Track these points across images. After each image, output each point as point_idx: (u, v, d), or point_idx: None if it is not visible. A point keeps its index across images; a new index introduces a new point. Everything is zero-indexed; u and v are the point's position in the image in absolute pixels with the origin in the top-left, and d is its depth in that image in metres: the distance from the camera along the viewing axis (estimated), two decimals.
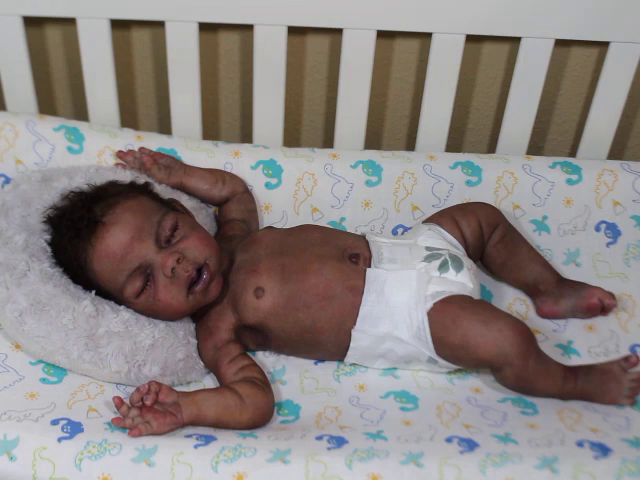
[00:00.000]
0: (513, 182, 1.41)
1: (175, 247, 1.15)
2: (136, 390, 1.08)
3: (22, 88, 1.49)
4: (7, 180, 1.40)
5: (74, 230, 1.15)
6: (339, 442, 1.03)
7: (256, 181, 1.42)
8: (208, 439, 1.03)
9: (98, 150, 1.41)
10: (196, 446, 1.02)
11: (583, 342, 1.26)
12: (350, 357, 1.20)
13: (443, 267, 1.20)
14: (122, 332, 1.14)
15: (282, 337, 1.20)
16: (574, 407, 1.12)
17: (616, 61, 1.40)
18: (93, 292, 1.17)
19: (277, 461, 1.00)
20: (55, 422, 1.05)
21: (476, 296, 1.21)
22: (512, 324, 1.13)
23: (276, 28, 1.40)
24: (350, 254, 1.22)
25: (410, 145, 1.67)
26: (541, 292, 1.31)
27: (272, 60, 1.43)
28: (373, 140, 1.67)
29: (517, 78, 1.44)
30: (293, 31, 1.46)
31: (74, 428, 1.04)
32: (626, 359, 1.15)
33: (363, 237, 1.27)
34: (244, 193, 1.40)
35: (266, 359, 1.24)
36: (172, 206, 1.24)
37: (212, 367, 1.19)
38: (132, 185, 1.27)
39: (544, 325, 1.30)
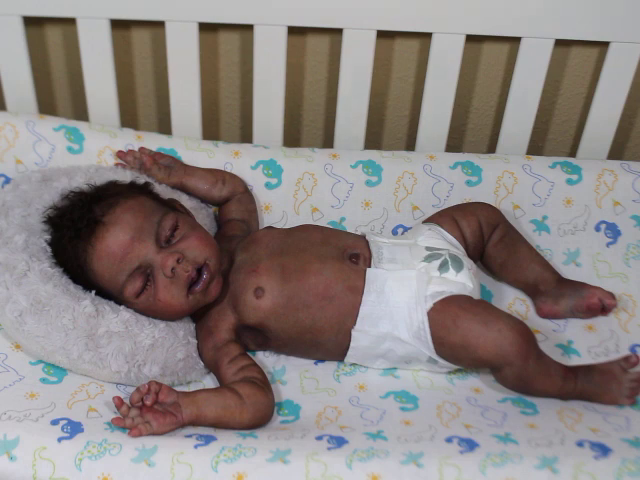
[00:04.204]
0: (513, 182, 1.41)
1: (175, 247, 1.15)
2: (136, 390, 1.08)
3: (22, 88, 1.49)
4: (7, 180, 1.39)
5: (74, 230, 1.15)
6: (339, 442, 1.03)
7: (256, 181, 1.42)
8: (208, 439, 1.03)
9: (98, 150, 1.41)
10: (196, 446, 1.02)
11: (583, 342, 1.26)
12: (350, 357, 1.20)
13: (443, 267, 1.20)
14: (122, 332, 1.14)
15: (282, 337, 1.20)
16: (574, 407, 1.12)
17: (616, 61, 1.40)
18: (93, 292, 1.17)
19: (277, 461, 1.00)
20: (55, 422, 1.05)
21: (476, 296, 1.21)
22: (512, 324, 1.13)
23: (276, 28, 1.40)
24: (350, 254, 1.22)
25: (410, 145, 1.67)
26: (541, 292, 1.31)
27: (272, 60, 1.43)
28: (373, 140, 1.67)
29: (517, 78, 1.44)
30: (293, 31, 1.45)
31: (74, 428, 1.04)
32: (626, 359, 1.15)
33: (363, 237, 1.27)
34: (244, 193, 1.40)
35: (266, 359, 1.24)
36: (172, 206, 1.24)
37: (212, 367, 1.19)
38: (132, 185, 1.26)
39: (544, 325, 1.30)
